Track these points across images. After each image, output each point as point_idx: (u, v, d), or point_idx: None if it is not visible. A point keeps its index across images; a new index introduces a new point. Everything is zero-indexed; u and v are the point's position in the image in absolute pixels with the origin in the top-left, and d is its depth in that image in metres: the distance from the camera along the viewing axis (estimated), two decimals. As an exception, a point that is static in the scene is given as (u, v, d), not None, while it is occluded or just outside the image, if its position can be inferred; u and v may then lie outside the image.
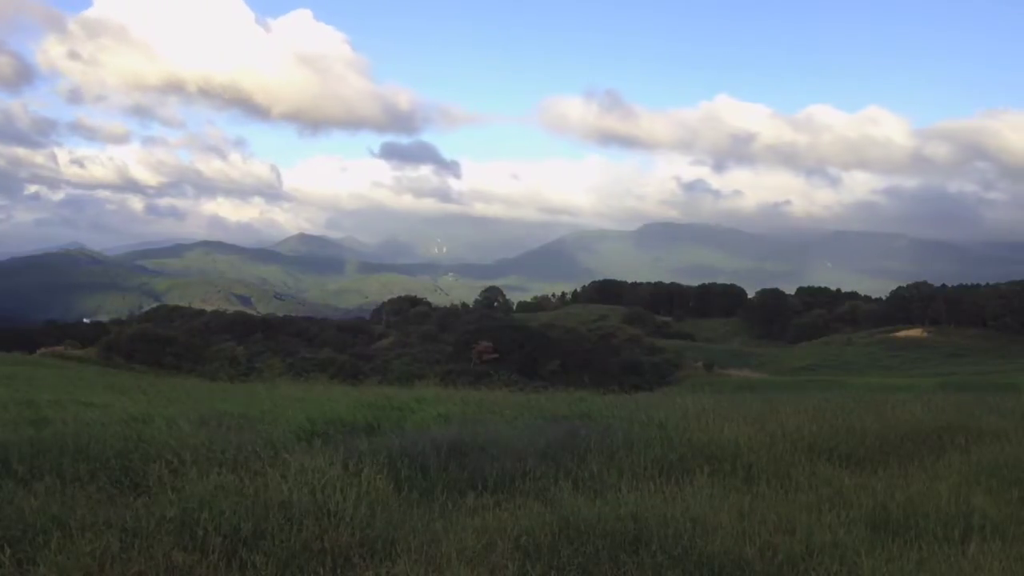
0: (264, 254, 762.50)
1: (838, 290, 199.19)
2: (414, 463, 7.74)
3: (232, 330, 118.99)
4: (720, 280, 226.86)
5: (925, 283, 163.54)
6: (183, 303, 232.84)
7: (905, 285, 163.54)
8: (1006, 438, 10.38)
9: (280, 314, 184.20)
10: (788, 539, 5.91)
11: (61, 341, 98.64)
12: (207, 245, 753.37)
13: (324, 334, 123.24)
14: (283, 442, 8.31)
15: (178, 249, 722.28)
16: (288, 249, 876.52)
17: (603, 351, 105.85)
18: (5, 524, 5.69)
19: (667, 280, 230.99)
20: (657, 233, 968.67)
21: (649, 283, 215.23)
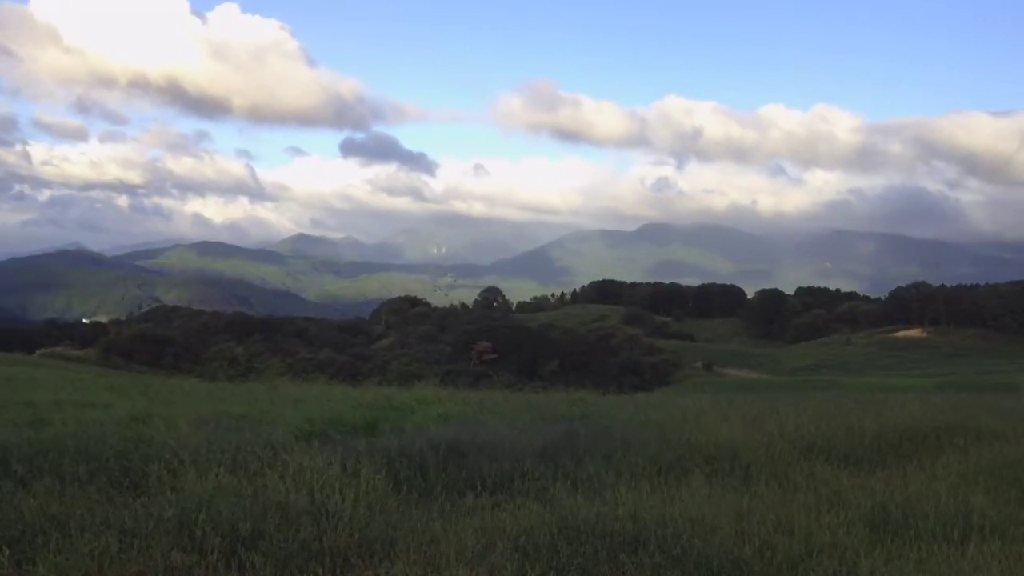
0: (263, 254, 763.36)
1: (837, 290, 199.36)
2: (413, 463, 7.74)
3: (231, 330, 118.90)
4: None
5: (924, 283, 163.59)
6: (182, 303, 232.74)
7: (904, 285, 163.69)
8: (1005, 438, 10.38)
9: (279, 314, 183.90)
10: (787, 539, 5.91)
11: (60, 341, 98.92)
12: (206, 245, 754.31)
13: (323, 334, 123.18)
14: (282, 442, 8.31)
15: (177, 249, 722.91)
16: (287, 249, 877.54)
17: (602, 351, 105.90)
18: (4, 524, 5.70)
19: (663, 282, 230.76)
20: (655, 234, 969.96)
21: (648, 283, 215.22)
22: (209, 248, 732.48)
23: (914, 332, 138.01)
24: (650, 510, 6.36)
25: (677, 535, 5.88)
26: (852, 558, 5.68)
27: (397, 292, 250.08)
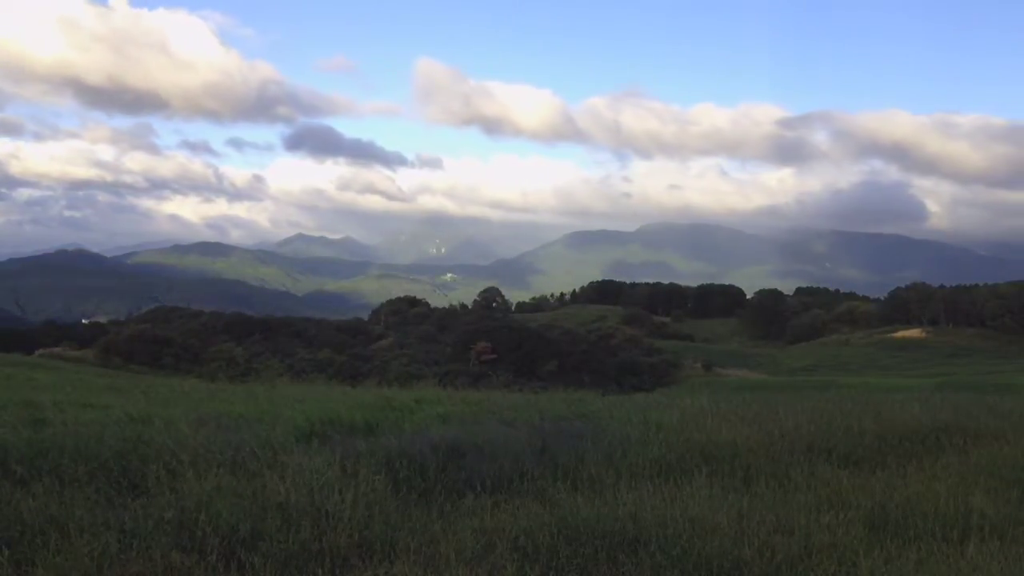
0: (263, 254, 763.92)
1: (836, 290, 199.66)
2: (412, 464, 7.73)
3: (230, 331, 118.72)
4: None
5: (924, 283, 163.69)
6: (181, 303, 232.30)
7: (904, 286, 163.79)
8: (1004, 438, 10.39)
9: (278, 315, 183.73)
10: (786, 540, 5.91)
11: (59, 342, 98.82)
12: (205, 246, 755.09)
13: (322, 335, 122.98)
14: (281, 443, 8.30)
15: (175, 249, 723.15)
16: (285, 249, 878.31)
17: (601, 352, 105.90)
18: (3, 525, 5.68)
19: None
20: (656, 233, 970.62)
21: (647, 283, 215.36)
22: (207, 248, 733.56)
23: (913, 332, 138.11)
24: (650, 511, 6.35)
25: (677, 535, 5.88)
26: (852, 558, 5.68)
27: (396, 292, 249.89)
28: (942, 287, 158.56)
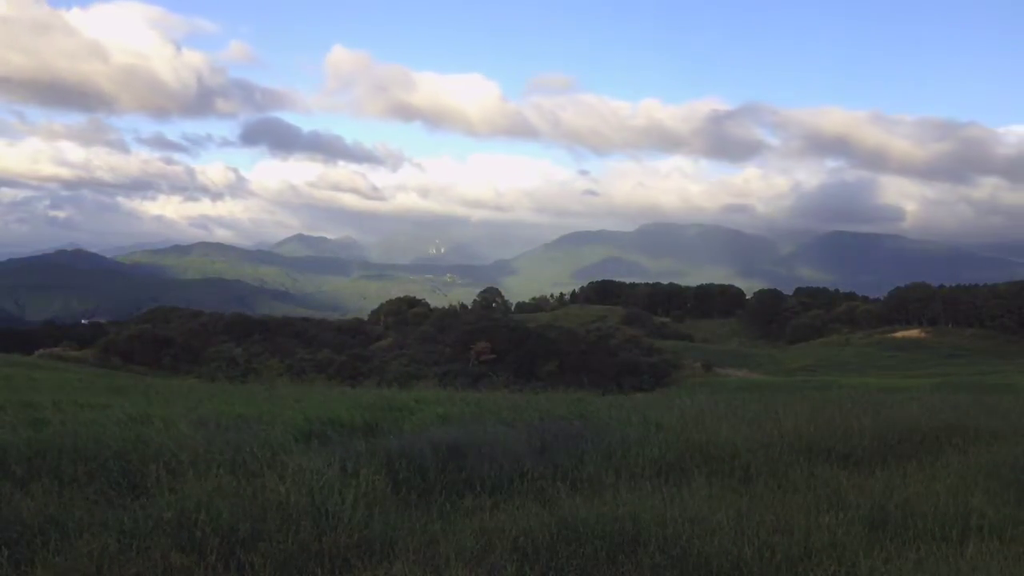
0: (263, 255, 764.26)
1: (836, 290, 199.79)
2: (412, 464, 7.74)
3: (230, 331, 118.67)
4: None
5: (924, 283, 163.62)
6: (181, 304, 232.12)
7: (904, 286, 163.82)
8: (1003, 439, 10.39)
9: (277, 315, 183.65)
10: (786, 540, 5.91)
11: (59, 342, 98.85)
12: (206, 246, 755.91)
13: (322, 335, 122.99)
14: (281, 443, 8.31)
15: (175, 249, 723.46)
16: (286, 250, 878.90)
17: (601, 352, 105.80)
18: (3, 525, 5.69)
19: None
20: (657, 233, 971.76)
21: (647, 283, 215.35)
22: (206, 248, 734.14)
23: (913, 332, 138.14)
24: (649, 510, 6.36)
25: (677, 535, 5.89)
26: (851, 558, 5.68)
27: (395, 292, 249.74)
28: (942, 287, 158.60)
